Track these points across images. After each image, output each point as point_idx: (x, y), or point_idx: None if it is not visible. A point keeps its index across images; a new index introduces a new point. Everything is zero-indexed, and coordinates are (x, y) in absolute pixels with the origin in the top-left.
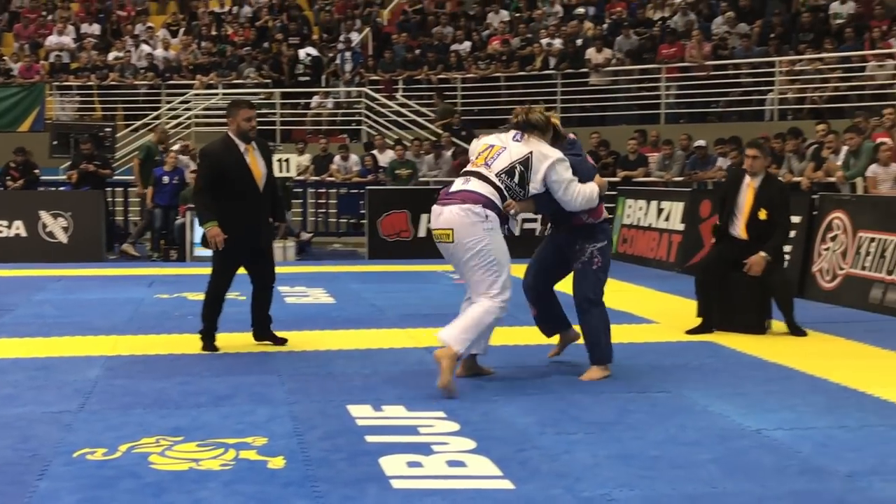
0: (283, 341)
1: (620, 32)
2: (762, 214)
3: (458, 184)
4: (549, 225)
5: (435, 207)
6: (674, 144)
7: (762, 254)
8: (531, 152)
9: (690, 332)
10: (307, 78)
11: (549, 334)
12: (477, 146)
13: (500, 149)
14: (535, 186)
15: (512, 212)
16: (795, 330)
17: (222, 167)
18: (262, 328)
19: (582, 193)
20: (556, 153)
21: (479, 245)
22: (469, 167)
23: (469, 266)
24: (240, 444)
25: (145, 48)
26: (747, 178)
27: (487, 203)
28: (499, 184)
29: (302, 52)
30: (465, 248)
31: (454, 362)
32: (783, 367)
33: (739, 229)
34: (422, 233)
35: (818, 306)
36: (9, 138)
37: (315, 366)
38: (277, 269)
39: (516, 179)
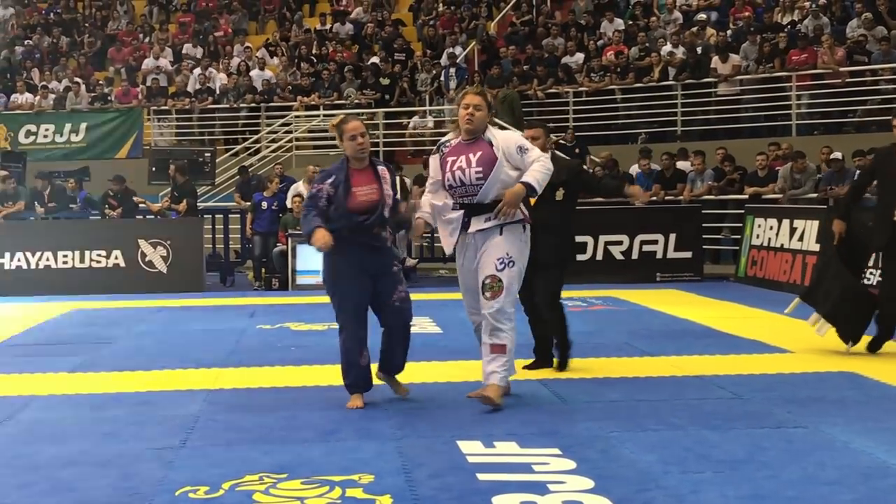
0: None
1: (746, 39)
2: None
3: None
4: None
5: None
6: (805, 157)
7: None
8: None
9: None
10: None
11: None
12: None
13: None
14: None
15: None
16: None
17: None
18: None
19: None
20: None
21: None
22: None
23: None
24: (346, 481)
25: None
26: None
27: None
28: None
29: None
30: None
31: None
32: None
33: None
34: None
35: None
36: (106, 165)
37: (422, 399)
38: None
39: None
